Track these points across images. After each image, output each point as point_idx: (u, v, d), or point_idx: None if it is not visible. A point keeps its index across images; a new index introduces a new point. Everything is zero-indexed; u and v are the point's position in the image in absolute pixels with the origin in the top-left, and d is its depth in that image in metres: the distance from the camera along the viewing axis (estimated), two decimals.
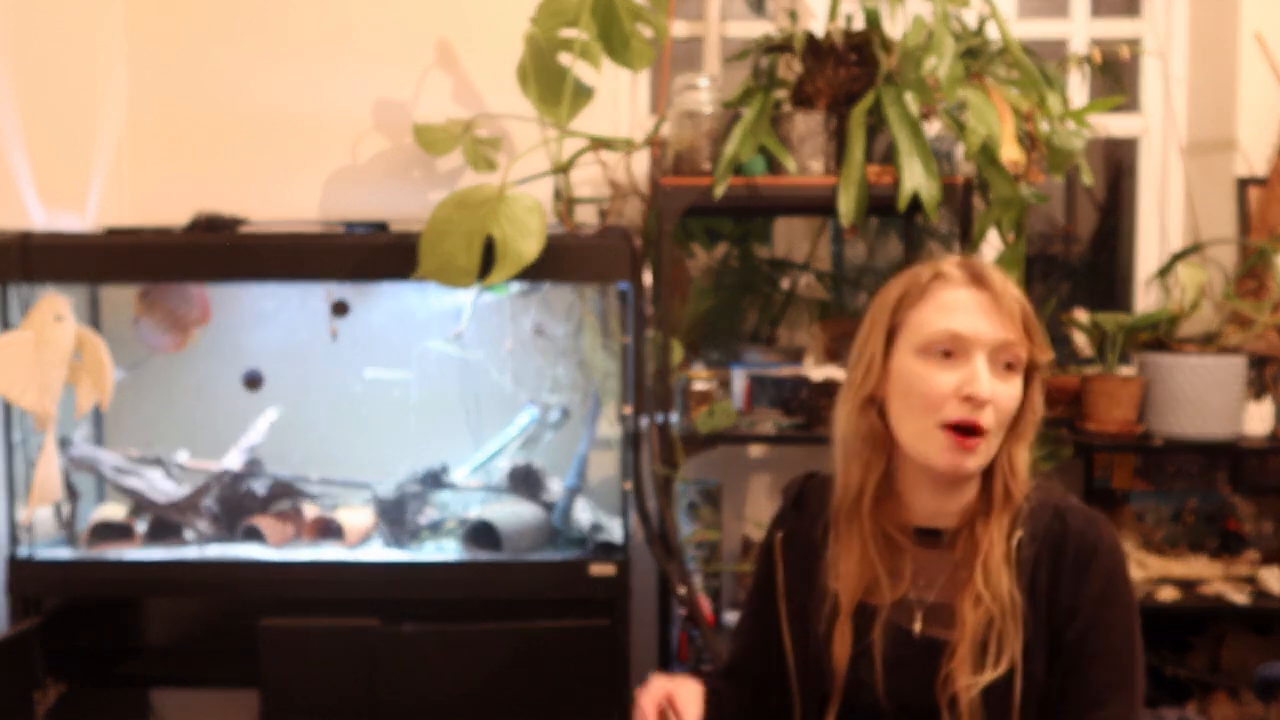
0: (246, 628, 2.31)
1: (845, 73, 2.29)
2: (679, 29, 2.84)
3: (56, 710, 2.28)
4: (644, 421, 2.31)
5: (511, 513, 2.43)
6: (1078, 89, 2.79)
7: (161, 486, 2.49)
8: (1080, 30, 2.89)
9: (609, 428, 2.52)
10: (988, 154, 2.20)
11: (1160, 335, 2.55)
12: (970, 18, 2.40)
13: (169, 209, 2.61)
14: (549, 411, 2.59)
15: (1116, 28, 2.88)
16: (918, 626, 1.37)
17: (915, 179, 2.19)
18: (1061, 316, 2.66)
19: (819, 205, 2.35)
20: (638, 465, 2.32)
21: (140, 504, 2.48)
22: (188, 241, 2.36)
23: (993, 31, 2.35)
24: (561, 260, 2.25)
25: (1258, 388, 2.55)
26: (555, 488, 2.50)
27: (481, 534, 2.40)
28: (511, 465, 2.52)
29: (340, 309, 2.54)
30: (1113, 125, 2.85)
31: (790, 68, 2.40)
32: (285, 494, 2.53)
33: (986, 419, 1.31)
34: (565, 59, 2.39)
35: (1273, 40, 2.69)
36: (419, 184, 2.77)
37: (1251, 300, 2.56)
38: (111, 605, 2.62)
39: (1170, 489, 2.73)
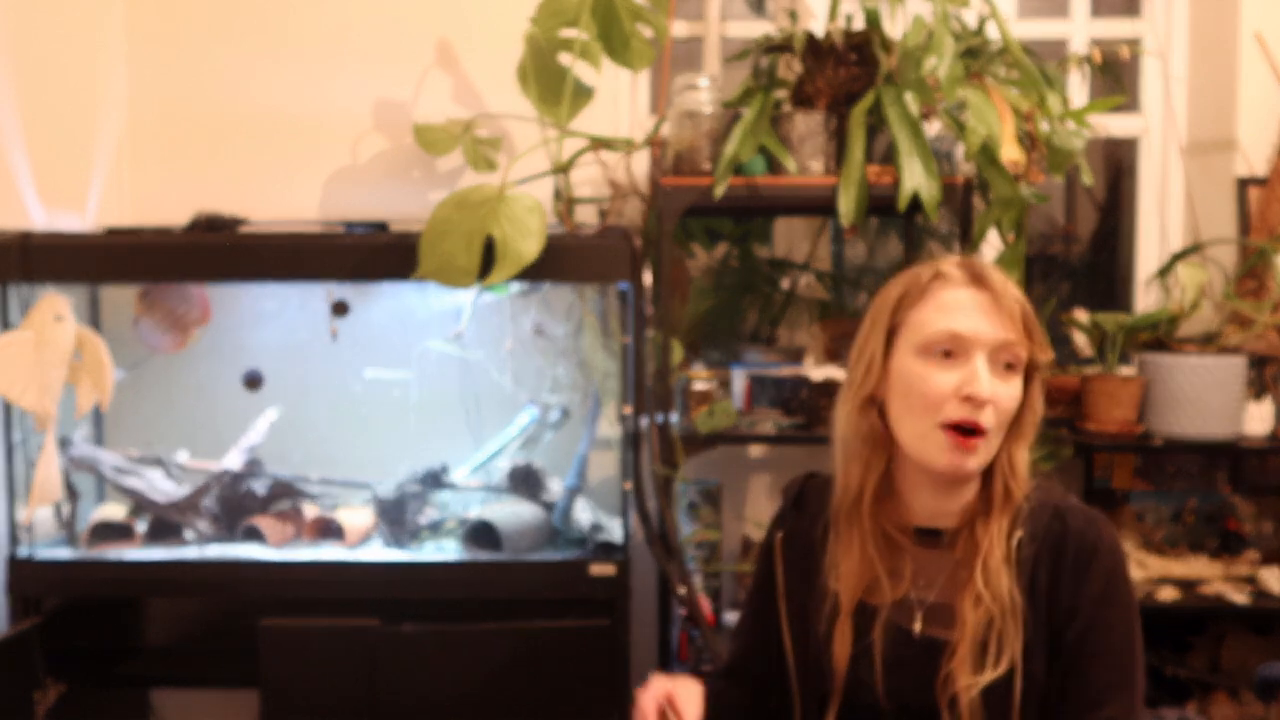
0: (246, 628, 2.31)
1: (845, 73, 2.29)
2: (679, 29, 2.84)
3: (56, 710, 2.28)
4: (644, 421, 2.31)
5: (511, 513, 2.43)
6: (1078, 89, 2.80)
7: (161, 486, 2.49)
8: (1080, 30, 2.89)
9: (609, 428, 2.52)
10: (988, 154, 2.20)
11: (1160, 335, 2.55)
12: (970, 18, 2.40)
13: (169, 209, 2.61)
14: (549, 411, 2.59)
15: (1116, 28, 2.88)
16: (918, 626, 1.37)
17: (915, 179, 2.19)
18: (1061, 316, 2.66)
19: (819, 205, 2.35)
20: (638, 465, 2.32)
21: (140, 504, 2.48)
22: (188, 241, 2.36)
23: (993, 31, 2.35)
24: (561, 260, 2.25)
25: (1258, 388, 2.55)
26: (555, 488, 2.50)
27: (481, 534, 2.40)
28: (511, 465, 2.52)
29: (340, 309, 2.54)
30: (1113, 125, 2.85)
31: (790, 68, 2.40)
32: (285, 494, 2.53)
33: (986, 419, 1.31)
34: (565, 59, 2.39)
35: (1273, 40, 2.69)
36: (419, 184, 2.77)
37: (1251, 300, 2.56)
38: (111, 605, 2.62)
39: (1170, 489, 2.73)
